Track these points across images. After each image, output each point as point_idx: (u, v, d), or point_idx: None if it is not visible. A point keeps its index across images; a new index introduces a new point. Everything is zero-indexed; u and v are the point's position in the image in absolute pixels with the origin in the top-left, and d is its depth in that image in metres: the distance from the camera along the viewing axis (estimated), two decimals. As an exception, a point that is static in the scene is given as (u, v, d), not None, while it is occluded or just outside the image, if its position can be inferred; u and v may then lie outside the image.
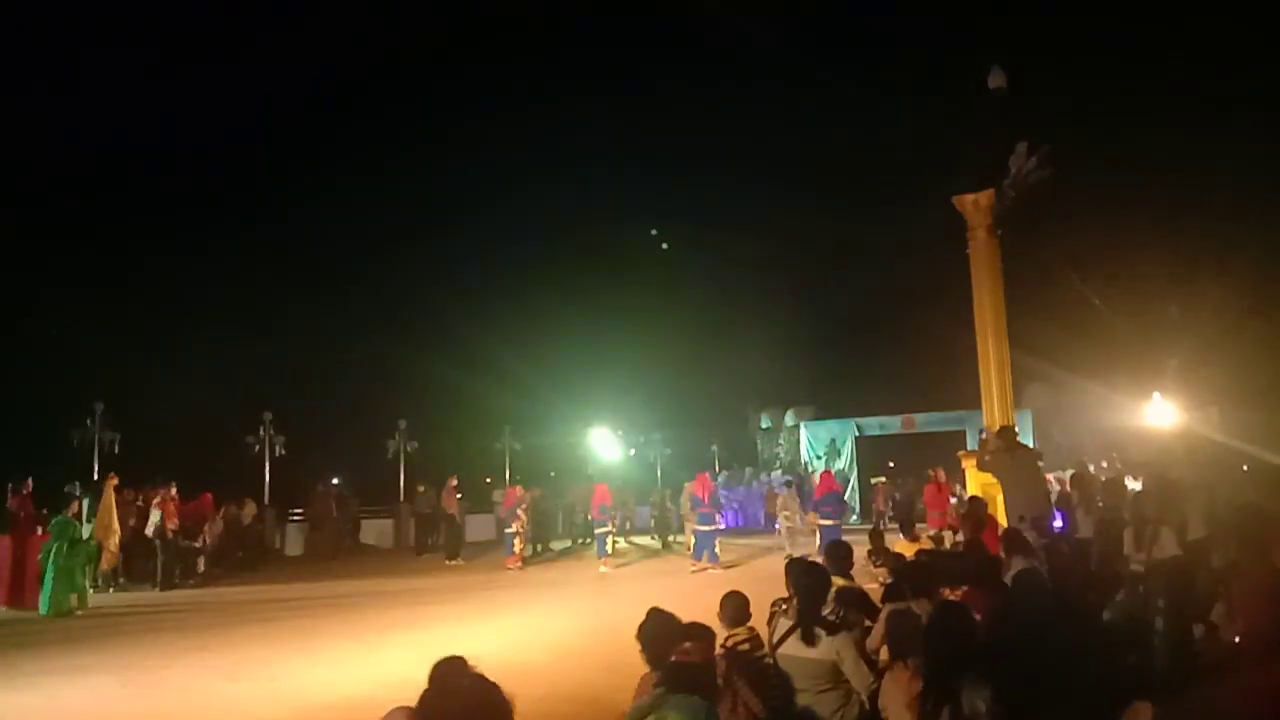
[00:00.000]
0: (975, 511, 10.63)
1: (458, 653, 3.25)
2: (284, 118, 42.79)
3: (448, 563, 19.26)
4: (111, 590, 15.11)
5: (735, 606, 5.23)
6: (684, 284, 38.06)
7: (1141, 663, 7.50)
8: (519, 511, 18.33)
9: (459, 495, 20.57)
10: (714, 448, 31.11)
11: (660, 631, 4.39)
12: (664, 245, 30.81)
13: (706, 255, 37.27)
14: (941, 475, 19.20)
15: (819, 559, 7.32)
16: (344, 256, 39.04)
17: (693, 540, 17.26)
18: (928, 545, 11.26)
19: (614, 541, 18.20)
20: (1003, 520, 10.62)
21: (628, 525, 25.90)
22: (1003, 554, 7.93)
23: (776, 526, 20.25)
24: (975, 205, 13.01)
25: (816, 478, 22.05)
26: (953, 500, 18.39)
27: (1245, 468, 14.50)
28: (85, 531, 14.50)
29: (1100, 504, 11.11)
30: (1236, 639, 4.89)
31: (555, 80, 47.44)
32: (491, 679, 2.65)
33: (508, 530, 18.23)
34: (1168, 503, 9.04)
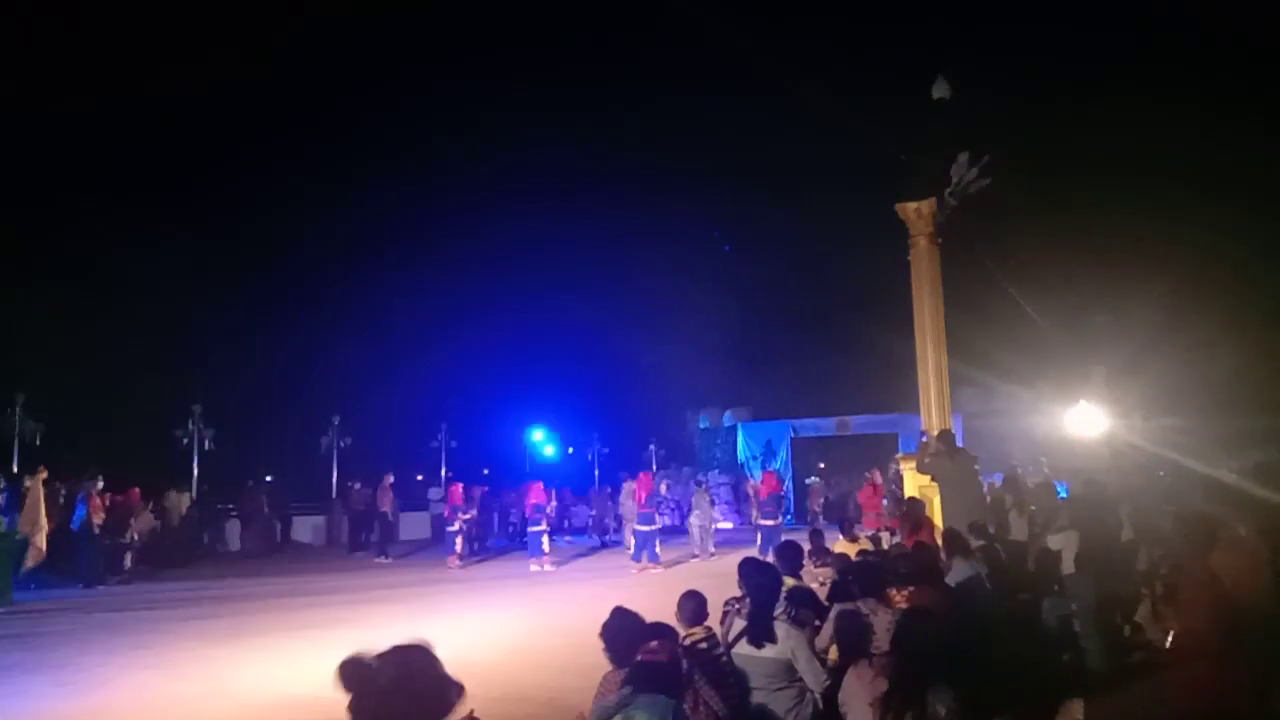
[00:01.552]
0: (913, 512, 10.88)
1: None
2: (234, 106, 41.68)
3: (376, 560, 19.05)
4: (32, 587, 14.60)
5: (694, 606, 5.28)
6: (623, 283, 38.09)
7: (1074, 661, 7.80)
8: (463, 511, 18.24)
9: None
10: (652, 447, 31.25)
11: (625, 630, 4.43)
12: (725, 247, 30.53)
13: (648, 257, 37.37)
14: (878, 477, 19.59)
15: (768, 559, 7.43)
16: (280, 250, 38.23)
17: (633, 540, 17.33)
18: (867, 545, 11.46)
19: (549, 540, 18.18)
20: (938, 522, 10.89)
21: (565, 524, 25.93)
22: (943, 555, 8.15)
23: (686, 523, 20.37)
24: (918, 213, 13.28)
25: (756, 477, 22.30)
26: (885, 501, 18.77)
27: (1162, 474, 15.02)
28: (6, 525, 14.04)
29: (1033, 508, 11.45)
30: (1170, 637, 5.13)
31: (502, 80, 47.04)
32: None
33: (449, 529, 18.09)
34: (1100, 507, 9.37)
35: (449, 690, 2.56)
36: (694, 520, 19.03)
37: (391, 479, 20.48)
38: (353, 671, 2.44)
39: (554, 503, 20.90)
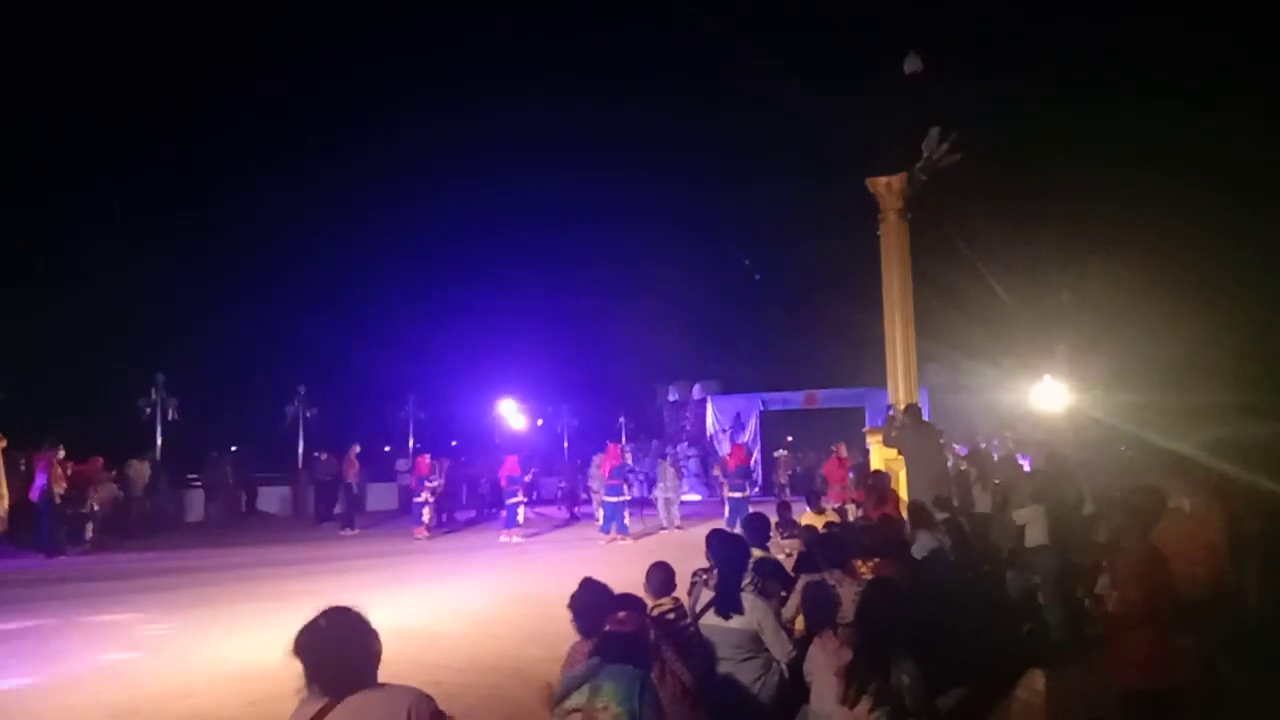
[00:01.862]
0: (879, 485, 10.98)
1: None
2: (200, 75, 40.80)
3: (342, 532, 18.90)
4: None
5: (662, 577, 5.31)
6: (593, 256, 38.00)
7: (1036, 632, 7.94)
8: (430, 481, 18.16)
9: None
10: (621, 419, 31.26)
11: (593, 601, 4.44)
12: (756, 276, 30.58)
13: (617, 229, 37.30)
14: (843, 450, 19.71)
15: (737, 530, 7.48)
16: (246, 217, 37.66)
17: (602, 512, 17.37)
18: (834, 518, 11.56)
19: (524, 511, 18.16)
20: (904, 495, 11.00)
21: (534, 496, 25.92)
22: (908, 528, 8.24)
23: (651, 495, 20.42)
24: (888, 188, 13.29)
25: (725, 450, 22.39)
26: (850, 474, 18.90)
27: (1124, 448, 15.23)
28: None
29: (997, 481, 11.59)
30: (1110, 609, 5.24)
31: (467, 50, 46.47)
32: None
33: (417, 500, 18.02)
34: (1063, 480, 9.49)
35: (371, 634, 2.97)
36: (659, 492, 19.12)
37: (358, 450, 20.35)
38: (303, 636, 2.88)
39: (530, 474, 20.92)
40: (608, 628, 4.10)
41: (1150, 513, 5.41)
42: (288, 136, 42.12)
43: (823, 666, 4.27)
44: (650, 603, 5.11)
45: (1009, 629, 7.74)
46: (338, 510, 20.46)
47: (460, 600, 10.72)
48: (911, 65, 12.81)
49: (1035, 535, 8.47)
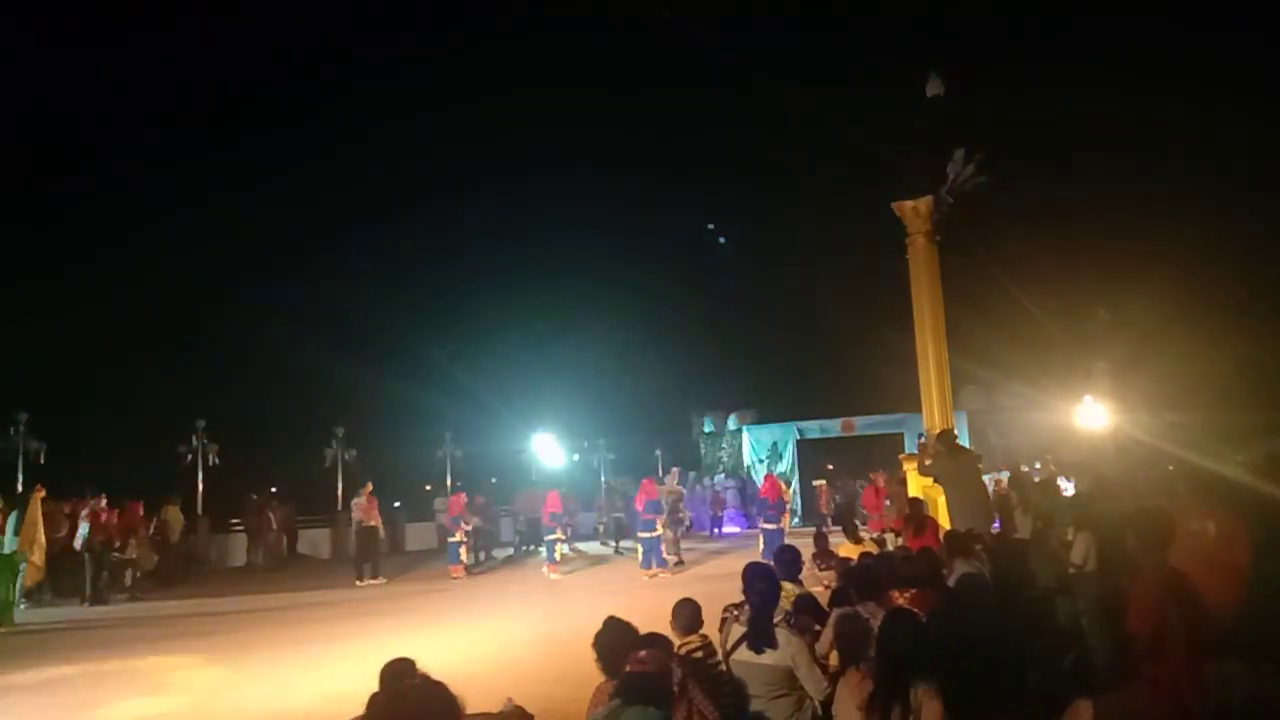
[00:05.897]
0: (916, 513, 10.79)
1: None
2: (225, 101, 41.76)
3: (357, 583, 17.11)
4: (23, 606, 14.40)
5: (688, 614, 5.22)
6: (625, 288, 38.09)
7: (1081, 661, 7.68)
8: (465, 521, 18.11)
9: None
10: (658, 452, 31.10)
11: (617, 641, 4.37)
12: (721, 239, 30.57)
13: (647, 259, 37.40)
14: (881, 479, 19.43)
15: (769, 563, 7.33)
16: (281, 257, 38.26)
17: (640, 548, 17.20)
18: (871, 548, 11.36)
19: (561, 549, 18.06)
20: (944, 523, 10.79)
21: (569, 531, 25.77)
22: (944, 556, 8.06)
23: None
24: (915, 211, 13.20)
25: (760, 481, 22.13)
26: (886, 503, 18.60)
27: (1171, 468, 14.87)
28: (9, 545, 14.00)
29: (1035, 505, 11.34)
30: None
31: (499, 88, 47.07)
32: (439, 680, 2.73)
33: (451, 539, 17.97)
34: (1109, 503, 9.24)
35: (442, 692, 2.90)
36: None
37: (370, 489, 18.27)
38: (395, 674, 3.18)
39: (573, 514, 20.72)
40: (628, 668, 4.03)
41: (1162, 533, 5.23)
42: (321, 179, 42.89)
43: (847, 704, 4.18)
44: (678, 641, 5.01)
45: (1052, 658, 7.49)
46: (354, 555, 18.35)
47: (490, 640, 10.65)
48: (933, 88, 12.75)
49: (1091, 561, 8.25)
